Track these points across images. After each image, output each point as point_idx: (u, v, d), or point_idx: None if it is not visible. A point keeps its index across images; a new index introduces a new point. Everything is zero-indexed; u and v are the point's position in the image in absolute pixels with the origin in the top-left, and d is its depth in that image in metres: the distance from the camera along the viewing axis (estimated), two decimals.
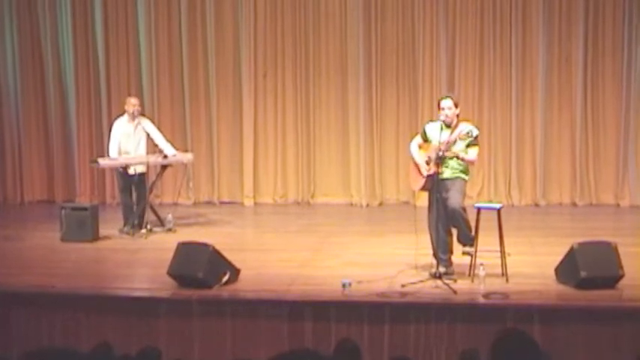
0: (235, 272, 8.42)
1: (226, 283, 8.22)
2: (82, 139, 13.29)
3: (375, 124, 12.79)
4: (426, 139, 8.48)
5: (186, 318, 7.93)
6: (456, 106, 8.35)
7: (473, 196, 12.03)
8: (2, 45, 13.33)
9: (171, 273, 8.34)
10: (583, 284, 7.80)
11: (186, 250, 8.41)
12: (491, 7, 12.44)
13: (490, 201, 11.98)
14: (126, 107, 10.92)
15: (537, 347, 4.35)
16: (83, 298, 8.21)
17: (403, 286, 8.00)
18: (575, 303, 7.64)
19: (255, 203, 13.10)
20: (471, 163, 8.48)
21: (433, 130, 8.43)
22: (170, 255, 8.47)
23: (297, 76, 12.96)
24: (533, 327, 7.37)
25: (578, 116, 12.38)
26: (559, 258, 8.22)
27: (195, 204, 13.04)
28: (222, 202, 13.17)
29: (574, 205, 12.46)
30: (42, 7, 13.22)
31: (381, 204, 12.84)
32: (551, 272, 8.25)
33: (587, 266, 7.83)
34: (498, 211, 8.37)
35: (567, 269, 8.03)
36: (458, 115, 8.38)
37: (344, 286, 7.99)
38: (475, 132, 8.26)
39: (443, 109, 8.31)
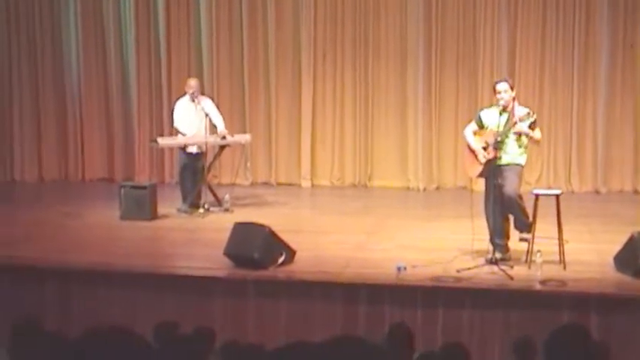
0: (291, 254, 8.44)
1: (282, 264, 8.26)
2: (142, 119, 13.43)
3: (433, 108, 12.70)
4: (481, 126, 8.41)
5: (241, 298, 8.00)
6: (512, 88, 8.27)
7: (531, 182, 11.90)
8: (66, 26, 13.51)
9: (228, 253, 8.40)
10: None
11: (242, 230, 8.46)
12: None
13: (549, 187, 11.83)
14: (186, 89, 11.01)
15: (594, 345, 4.29)
16: (140, 276, 8.32)
17: (458, 271, 7.96)
18: (633, 292, 7.53)
19: (313, 185, 13.12)
20: (537, 142, 8.45)
21: (490, 115, 8.35)
22: (226, 235, 8.55)
23: (356, 58, 12.92)
24: (589, 315, 7.32)
25: None
26: (618, 246, 8.11)
27: (253, 185, 13.10)
28: (279, 184, 13.21)
29: (636, 192, 12.27)
30: None
31: (438, 188, 12.78)
32: (610, 260, 8.14)
33: None
34: (557, 197, 8.27)
35: (626, 258, 7.92)
36: (514, 99, 8.29)
37: (399, 269, 7.97)
38: (534, 115, 8.18)
39: (499, 92, 8.23)
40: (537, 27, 12.36)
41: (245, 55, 13.13)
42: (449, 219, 10.37)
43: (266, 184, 13.22)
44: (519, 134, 8.14)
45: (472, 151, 8.41)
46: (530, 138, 8.21)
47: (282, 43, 13.08)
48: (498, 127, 8.16)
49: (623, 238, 8.10)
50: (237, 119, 12.98)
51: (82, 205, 11.61)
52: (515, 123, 8.10)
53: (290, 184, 13.19)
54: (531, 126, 8.19)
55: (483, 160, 8.24)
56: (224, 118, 11.22)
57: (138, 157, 13.46)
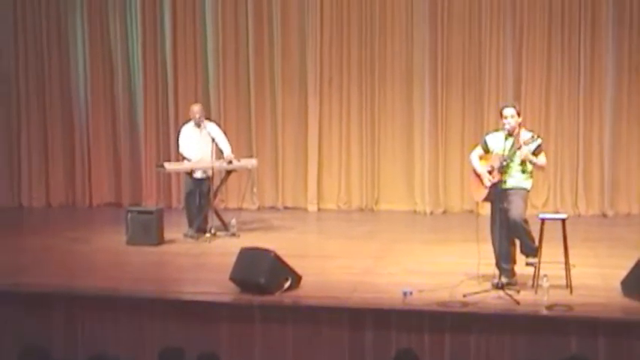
0: (297, 278, 8.44)
1: (288, 289, 8.26)
2: (148, 144, 13.47)
3: (439, 132, 12.72)
4: (487, 150, 8.42)
5: (247, 323, 7.98)
6: (519, 114, 8.29)
7: (538, 206, 11.93)
8: (74, 51, 13.59)
9: (234, 278, 8.41)
10: None
11: (248, 255, 8.47)
12: (559, 15, 12.28)
13: (556, 211, 11.84)
14: (190, 115, 11.07)
15: None
16: (146, 302, 8.32)
17: (465, 295, 7.94)
18: None
19: (319, 209, 13.12)
20: (542, 168, 8.47)
21: (495, 140, 8.37)
22: (233, 259, 8.56)
23: (362, 83, 12.96)
24: (597, 340, 7.29)
25: None
26: (625, 271, 8.08)
27: (260, 209, 13.11)
28: (286, 208, 13.22)
29: None
30: (112, 14, 13.45)
31: (445, 212, 12.77)
32: (617, 285, 8.11)
33: None
34: (563, 221, 8.26)
35: (633, 282, 7.89)
36: (520, 124, 8.31)
37: (405, 294, 7.96)
38: (538, 139, 8.19)
39: (506, 117, 8.25)
40: (543, 51, 12.39)
41: (251, 80, 13.18)
42: (455, 243, 10.35)
43: (273, 208, 13.23)
44: (523, 161, 8.15)
45: (478, 175, 8.42)
46: (534, 164, 8.21)
47: (289, 68, 13.13)
48: (504, 151, 8.17)
49: (629, 263, 8.08)
50: (243, 143, 13.02)
51: (89, 230, 11.65)
52: (520, 147, 8.11)
53: (297, 208, 13.20)
54: (536, 150, 8.20)
55: (488, 184, 8.25)
56: (230, 143, 11.26)
57: (145, 181, 13.49)
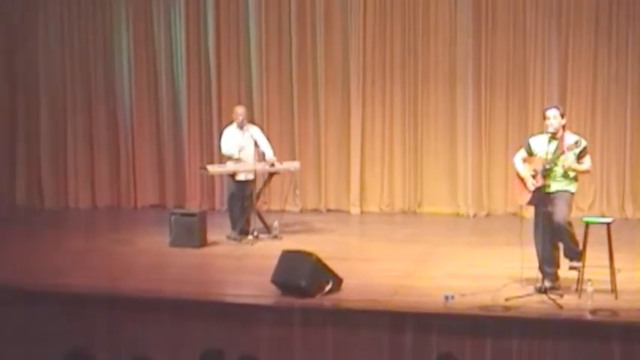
0: (338, 282, 8.41)
1: (329, 292, 8.23)
2: (192, 146, 13.54)
3: (483, 134, 12.63)
4: (530, 153, 8.33)
5: (287, 326, 7.97)
6: (562, 116, 8.18)
7: (584, 209, 11.81)
8: (118, 54, 13.72)
9: (275, 280, 8.41)
10: None
11: (289, 258, 8.46)
12: (606, 18, 12.14)
13: (602, 214, 11.69)
14: (233, 116, 11.10)
15: None
16: (187, 304, 8.35)
17: (507, 299, 7.86)
18: None
19: (362, 212, 13.09)
20: (586, 172, 8.38)
21: (539, 142, 8.28)
22: (275, 262, 8.55)
23: (405, 85, 12.91)
24: None
25: None
26: None
27: (302, 211, 13.11)
28: (328, 210, 13.21)
29: None
30: (157, 17, 13.56)
31: (488, 215, 12.67)
32: None
33: None
34: (608, 225, 8.14)
35: None
36: (564, 126, 8.21)
37: (446, 298, 7.90)
38: (583, 142, 8.08)
39: (548, 118, 8.16)
40: (589, 52, 12.25)
41: (294, 82, 13.19)
42: (498, 246, 10.25)
43: (315, 210, 13.22)
44: (567, 169, 8.05)
45: (521, 179, 8.33)
46: (577, 171, 8.10)
47: (331, 70, 13.12)
48: (547, 154, 8.08)
49: None
50: (286, 146, 13.04)
51: (132, 232, 11.74)
52: (563, 152, 8.00)
53: (339, 211, 13.18)
54: (580, 154, 8.09)
55: (532, 188, 8.15)
56: (273, 145, 11.28)
57: (189, 184, 13.57)
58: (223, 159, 11.27)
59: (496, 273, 8.89)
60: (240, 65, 13.39)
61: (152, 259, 10.18)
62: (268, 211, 12.44)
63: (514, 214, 12.06)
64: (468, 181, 12.68)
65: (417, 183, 12.99)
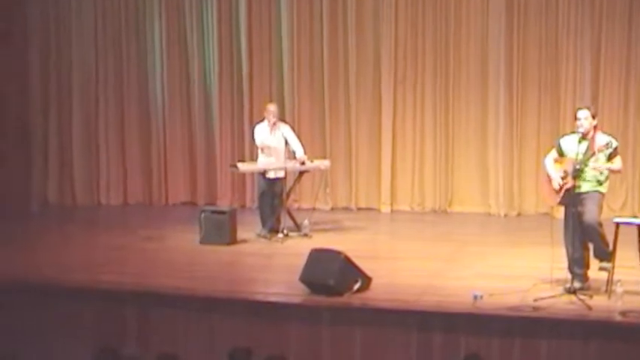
0: (366, 280, 8.42)
1: (357, 291, 8.24)
2: (223, 144, 13.60)
3: (514, 133, 12.57)
4: (561, 154, 8.29)
5: (315, 325, 8.00)
6: (594, 117, 8.13)
7: (616, 209, 11.70)
8: (152, 54, 13.79)
9: (303, 279, 8.43)
10: None
11: (318, 256, 8.48)
12: (638, 16, 12.01)
13: (634, 215, 11.60)
14: (265, 113, 11.14)
15: None
16: (216, 301, 8.40)
17: (536, 300, 7.82)
18: None
19: (392, 210, 13.08)
20: (618, 172, 8.33)
21: (569, 143, 8.23)
22: (304, 260, 8.56)
23: (436, 83, 12.88)
24: None
25: None
26: None
27: (333, 209, 13.12)
28: (359, 209, 13.22)
29: None
30: (189, 15, 13.61)
31: (519, 214, 12.61)
32: None
33: None
34: (639, 226, 8.08)
35: None
36: (596, 127, 8.16)
37: (475, 298, 7.88)
38: (614, 143, 8.02)
39: (579, 119, 8.12)
40: (622, 53, 12.11)
41: (325, 81, 13.21)
42: (529, 246, 10.21)
43: (346, 209, 13.23)
44: (598, 171, 8.01)
45: (551, 179, 8.29)
46: (608, 170, 8.05)
47: (363, 69, 13.11)
48: (577, 155, 8.04)
49: None
50: (317, 144, 13.06)
51: (163, 229, 11.80)
52: (594, 153, 7.96)
53: (370, 209, 13.18)
54: (611, 155, 8.03)
55: (557, 187, 8.12)
56: (304, 144, 11.31)
57: (220, 181, 13.63)
58: (256, 153, 11.31)
59: (525, 273, 8.85)
60: (272, 63, 13.41)
61: (182, 256, 10.24)
62: (299, 209, 12.48)
63: (545, 214, 12.02)
64: (499, 181, 12.63)
65: (448, 182, 12.96)
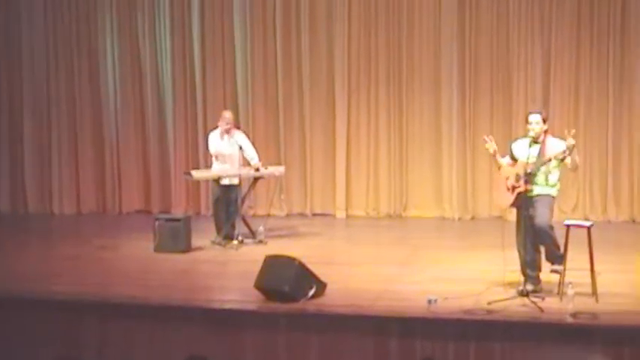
0: (322, 286, 8.44)
1: (312, 297, 8.25)
2: (178, 152, 13.57)
3: (467, 138, 12.69)
4: (513, 158, 8.39)
5: (272, 331, 7.99)
6: (544, 121, 8.25)
7: (567, 212, 11.88)
8: (103, 59, 13.73)
9: (258, 286, 8.42)
10: None
11: (273, 263, 8.48)
12: (587, 20, 12.23)
13: (586, 217, 11.76)
14: (220, 121, 11.13)
15: None
16: (172, 309, 8.36)
17: (489, 303, 7.90)
18: None
19: (347, 215, 13.14)
20: (575, 169, 8.38)
21: (521, 147, 8.34)
22: (259, 267, 8.55)
23: (390, 90, 12.96)
24: (622, 349, 7.21)
25: None
26: None
27: (288, 216, 13.15)
28: (314, 214, 13.25)
29: None
30: (141, 23, 13.59)
31: (473, 218, 12.74)
32: None
33: None
34: (588, 228, 8.20)
35: None
36: (546, 131, 8.27)
37: (430, 302, 7.94)
38: (570, 143, 8.05)
39: (531, 123, 8.23)
40: (571, 57, 12.35)
41: (280, 87, 13.24)
42: (483, 250, 10.30)
43: (301, 214, 13.26)
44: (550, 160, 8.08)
45: (504, 182, 8.38)
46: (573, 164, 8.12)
47: (316, 76, 13.17)
48: (528, 158, 8.14)
49: None
50: (272, 150, 13.08)
51: (118, 238, 11.74)
52: (550, 159, 8.04)
53: (325, 215, 13.22)
54: (564, 158, 8.10)
55: (515, 191, 8.20)
56: (259, 151, 11.32)
57: (174, 189, 13.59)
58: (210, 160, 11.29)
59: (479, 276, 8.93)
60: (226, 71, 13.41)
61: (137, 265, 10.20)
62: (254, 216, 12.50)
63: (499, 218, 12.12)
64: (452, 185, 12.75)
65: (403, 187, 13.04)
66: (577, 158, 8.24)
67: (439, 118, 12.84)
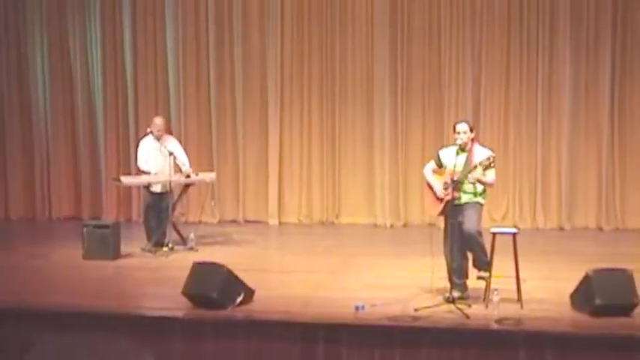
0: (250, 293, 8.42)
1: (240, 303, 8.23)
2: (109, 157, 13.46)
3: (400, 146, 12.81)
4: (440, 165, 8.48)
5: (199, 338, 7.95)
6: (471, 130, 8.35)
7: (497, 219, 12.05)
8: (33, 64, 13.57)
9: (186, 293, 8.37)
10: (598, 311, 7.68)
11: (201, 270, 8.44)
12: (517, 32, 12.49)
13: (515, 224, 11.90)
14: (151, 127, 11.04)
15: None
16: (98, 317, 8.26)
17: (416, 310, 7.95)
18: (589, 331, 7.52)
19: (280, 223, 13.16)
20: (491, 185, 8.43)
21: (448, 155, 8.42)
22: None
23: (322, 98, 13.05)
24: (545, 354, 7.32)
25: (605, 140, 12.35)
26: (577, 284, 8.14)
27: (221, 223, 13.12)
28: (247, 222, 13.24)
29: (600, 229, 12.36)
30: (72, 29, 13.51)
31: (405, 225, 12.84)
32: (568, 299, 8.15)
33: (603, 293, 7.71)
34: (513, 235, 8.30)
35: (582, 296, 7.93)
36: (473, 140, 8.37)
37: (357, 308, 7.97)
38: (492, 155, 8.20)
39: (458, 132, 8.32)
40: (501, 67, 12.60)
41: (212, 94, 13.20)
42: (413, 256, 10.33)
43: (234, 221, 13.24)
44: (474, 182, 8.19)
45: (432, 190, 8.46)
46: (483, 183, 8.24)
47: (249, 82, 13.18)
48: (455, 166, 8.22)
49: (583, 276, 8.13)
50: (204, 157, 13.04)
51: (47, 245, 11.59)
52: (476, 167, 8.13)
53: (258, 222, 13.21)
54: (486, 167, 8.18)
55: (441, 195, 8.28)
56: (191, 157, 11.27)
57: (105, 195, 13.48)
58: (138, 170, 11.20)
59: (409, 283, 8.99)
60: (158, 77, 13.36)
61: (66, 272, 10.05)
62: (186, 222, 12.44)
63: (431, 225, 12.19)
64: (385, 192, 12.84)
65: (335, 194, 13.11)
66: (490, 176, 8.27)
67: (371, 125, 12.93)
